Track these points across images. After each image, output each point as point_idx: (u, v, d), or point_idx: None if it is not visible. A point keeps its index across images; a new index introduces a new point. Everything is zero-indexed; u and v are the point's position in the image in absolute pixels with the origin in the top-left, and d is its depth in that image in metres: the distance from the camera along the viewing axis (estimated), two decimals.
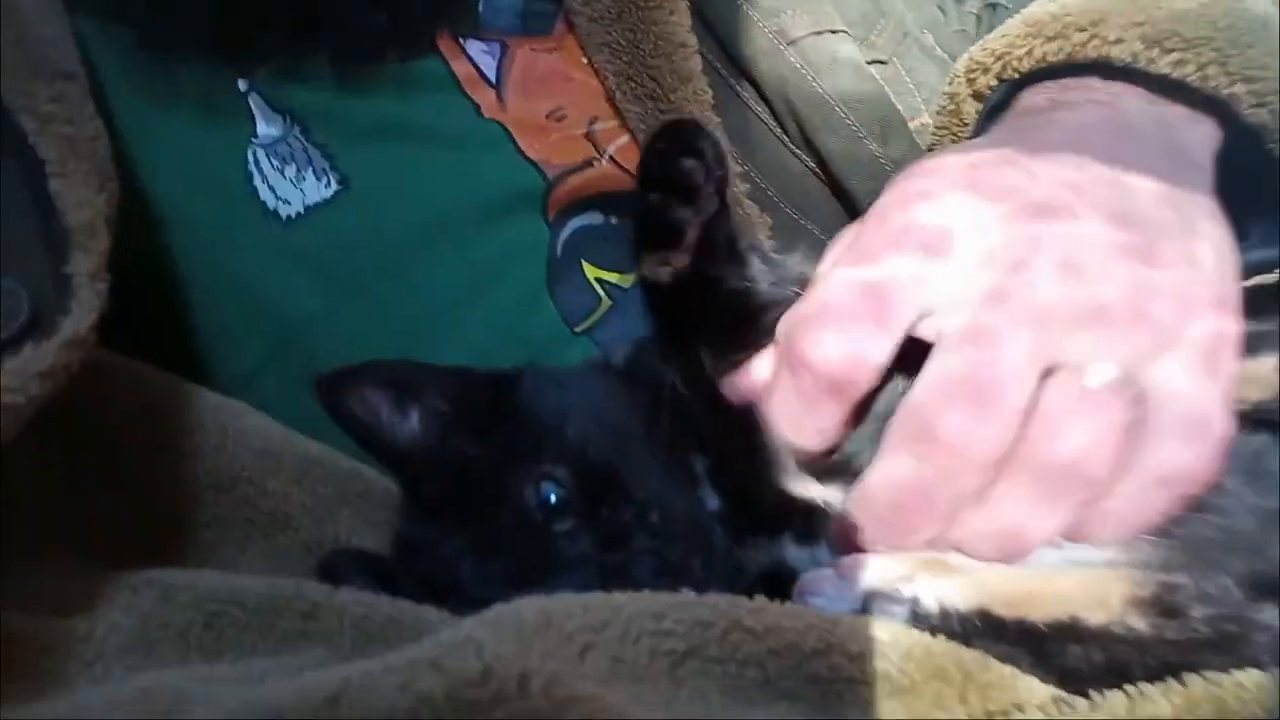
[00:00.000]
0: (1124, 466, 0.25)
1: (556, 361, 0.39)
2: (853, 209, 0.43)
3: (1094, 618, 0.22)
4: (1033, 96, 0.37)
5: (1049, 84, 0.37)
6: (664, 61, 0.41)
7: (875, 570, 0.25)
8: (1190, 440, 0.25)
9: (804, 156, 0.44)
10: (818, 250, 0.35)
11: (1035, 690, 0.22)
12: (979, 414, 0.25)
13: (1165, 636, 0.21)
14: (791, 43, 0.43)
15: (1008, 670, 0.22)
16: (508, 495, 0.29)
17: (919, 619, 0.24)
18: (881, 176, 0.41)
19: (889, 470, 0.26)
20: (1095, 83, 0.36)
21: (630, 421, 0.30)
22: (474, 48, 0.43)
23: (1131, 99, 0.34)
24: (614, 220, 0.43)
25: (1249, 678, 0.20)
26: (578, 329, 0.41)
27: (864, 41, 0.46)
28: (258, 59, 0.41)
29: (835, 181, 0.43)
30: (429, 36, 0.43)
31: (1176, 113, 0.34)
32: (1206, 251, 0.28)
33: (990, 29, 0.52)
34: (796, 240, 0.41)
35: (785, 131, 0.44)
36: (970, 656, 0.23)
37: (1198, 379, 0.25)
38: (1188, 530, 0.24)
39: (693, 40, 0.42)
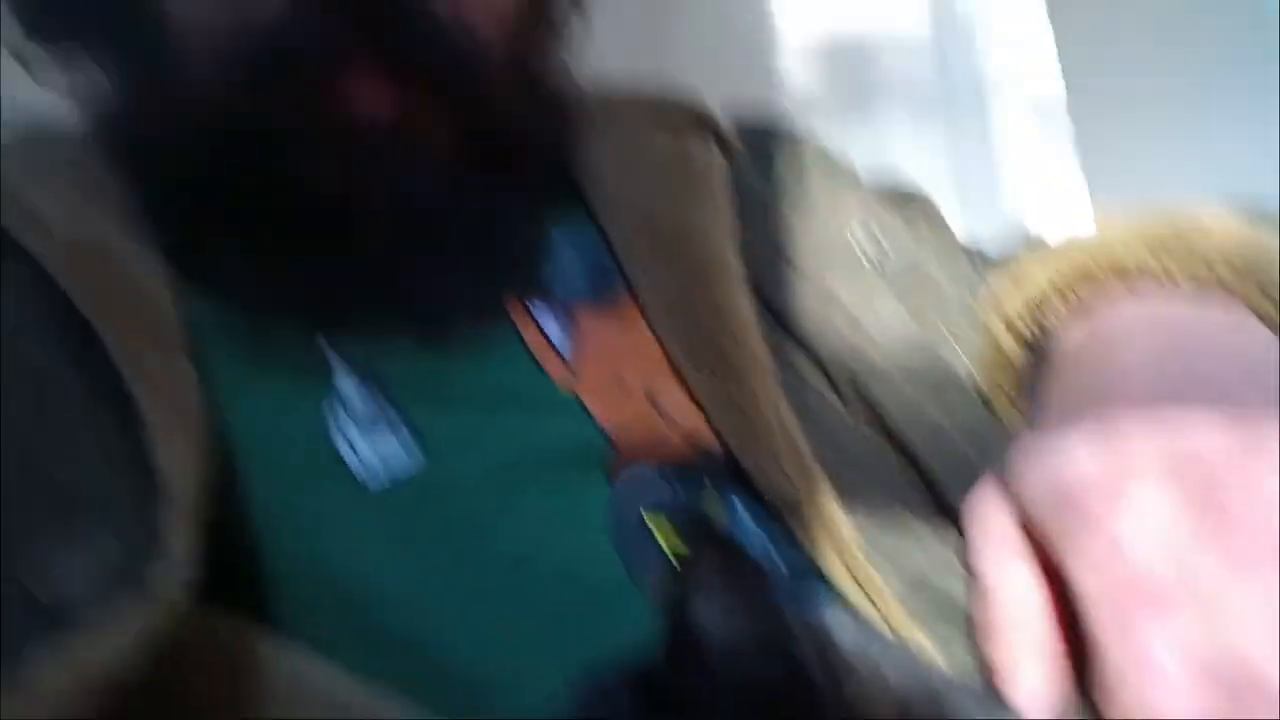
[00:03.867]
0: None
1: (624, 616, 0.39)
2: (916, 468, 0.44)
3: None
4: (1083, 329, 0.40)
5: (1101, 305, 0.40)
6: (724, 330, 0.44)
7: None
8: None
9: (851, 419, 0.46)
10: (879, 512, 0.35)
11: None
12: None
13: None
14: (842, 308, 0.46)
15: None
16: None
17: None
18: (942, 437, 0.43)
19: None
20: (1137, 298, 0.39)
21: None
22: (543, 316, 0.47)
23: (1177, 306, 0.37)
24: (672, 477, 0.44)
25: None
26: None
27: (907, 306, 0.49)
28: (345, 327, 0.44)
29: (895, 441, 0.44)
30: (502, 305, 0.47)
31: (1228, 315, 0.36)
32: None
33: None
34: (857, 501, 0.42)
35: (839, 395, 0.46)
36: None
37: None
38: None
39: (750, 310, 0.45)
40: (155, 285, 0.41)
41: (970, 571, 0.30)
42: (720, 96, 0.59)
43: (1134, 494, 0.27)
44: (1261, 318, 0.36)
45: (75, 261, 0.40)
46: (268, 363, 0.43)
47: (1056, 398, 0.38)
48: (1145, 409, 0.31)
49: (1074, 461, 0.29)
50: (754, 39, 1.66)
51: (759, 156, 0.56)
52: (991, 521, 0.32)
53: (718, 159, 0.52)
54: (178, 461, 0.34)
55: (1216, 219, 0.40)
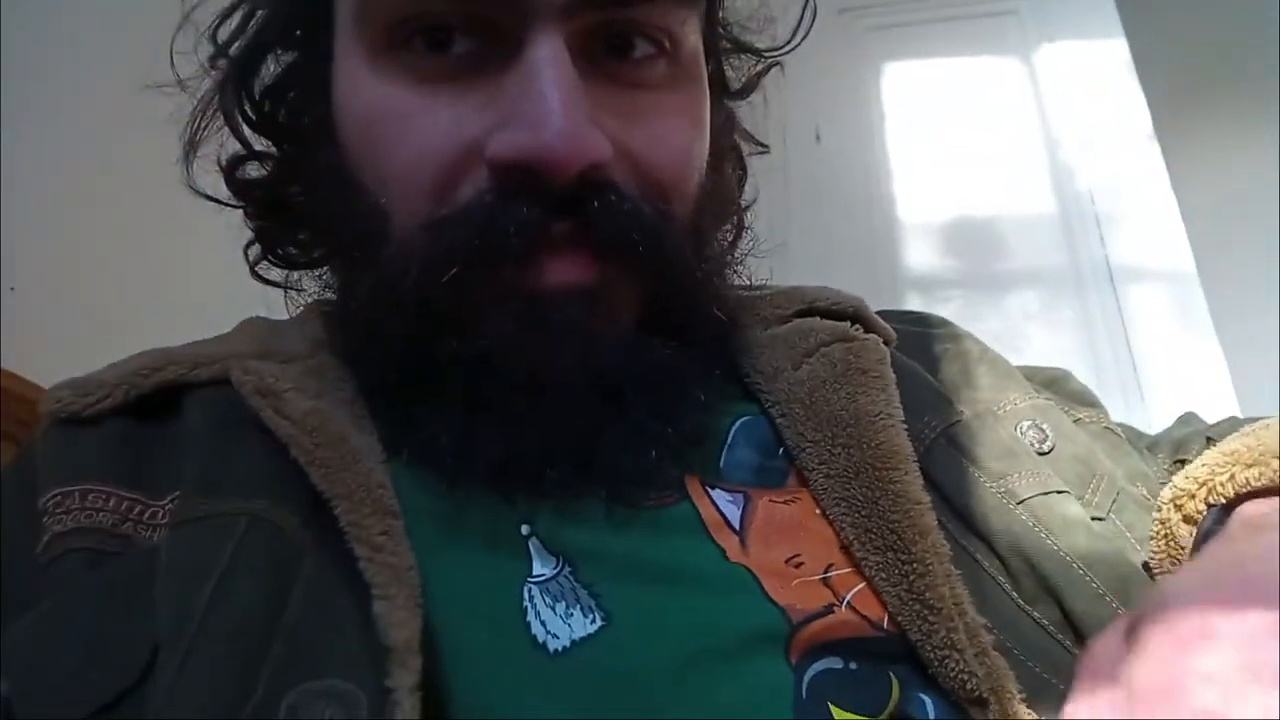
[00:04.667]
0: None
1: None
2: None
3: None
4: (1247, 510, 0.41)
5: (1258, 501, 0.41)
6: (902, 516, 0.45)
7: None
8: None
9: (1035, 613, 0.45)
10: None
11: None
12: None
13: None
14: (1021, 502, 0.47)
15: None
16: None
17: None
18: None
19: None
20: None
21: None
22: (720, 497, 0.48)
23: None
24: (853, 665, 0.44)
25: None
26: None
27: (1082, 500, 0.49)
28: (540, 501, 0.47)
29: (1081, 639, 0.44)
30: (683, 483, 0.48)
31: None
32: None
33: None
34: (1045, 696, 0.41)
35: (1017, 588, 0.46)
36: None
37: None
38: None
39: (926, 498, 0.46)
40: (371, 457, 0.45)
41: None
42: (850, 280, 0.62)
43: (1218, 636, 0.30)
44: None
45: (307, 436, 0.44)
46: (466, 533, 0.46)
47: (1200, 560, 0.40)
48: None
49: (1175, 587, 0.33)
50: (880, 225, 1.72)
51: (915, 346, 0.58)
52: (1099, 648, 0.36)
53: (878, 346, 0.54)
54: (398, 622, 0.37)
55: None
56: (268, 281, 0.62)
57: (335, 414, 0.46)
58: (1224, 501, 0.43)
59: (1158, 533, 0.46)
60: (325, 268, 0.57)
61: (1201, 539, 0.43)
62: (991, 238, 1.66)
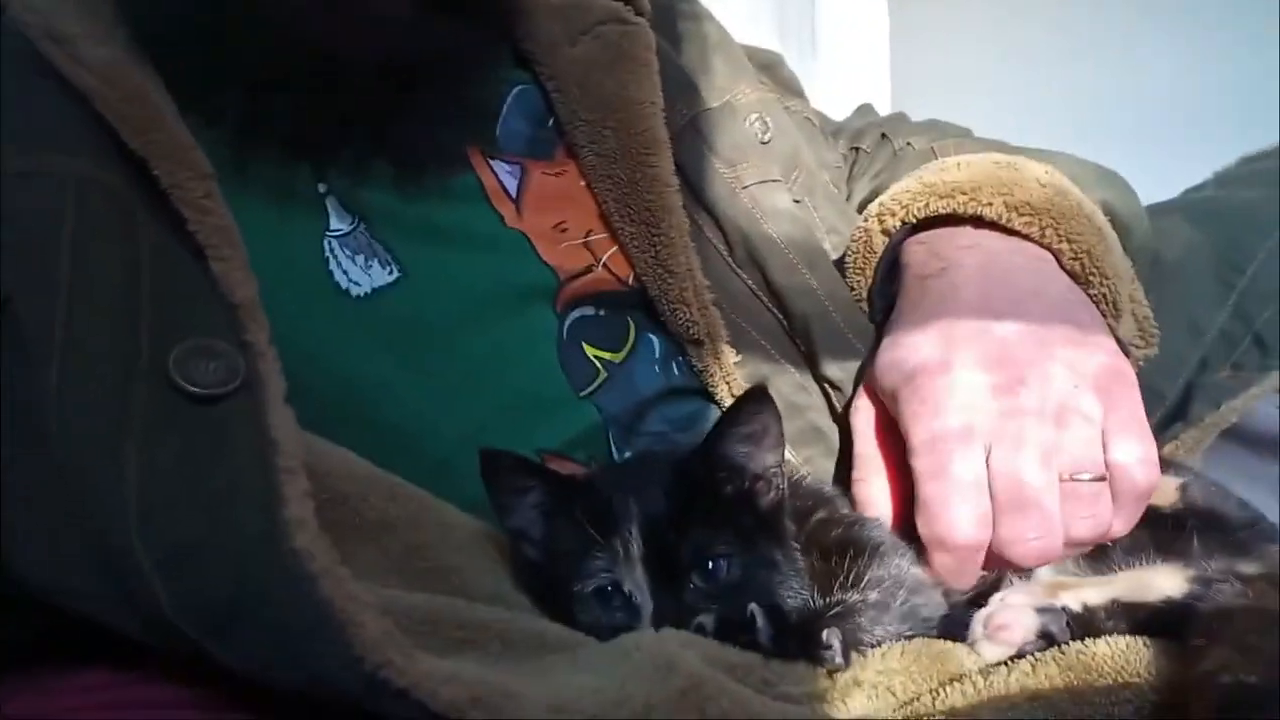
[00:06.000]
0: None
1: (567, 418, 0.51)
2: (789, 320, 0.56)
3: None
4: (926, 254, 0.54)
5: (940, 231, 0.54)
6: (656, 197, 0.54)
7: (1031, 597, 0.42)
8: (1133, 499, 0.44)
9: (743, 276, 0.56)
10: (759, 350, 0.52)
11: None
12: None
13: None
14: (744, 188, 0.57)
15: None
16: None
17: (1076, 619, 0.41)
18: (812, 298, 0.55)
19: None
20: (970, 230, 0.52)
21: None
22: (500, 168, 0.55)
23: (997, 240, 0.52)
24: (603, 312, 0.54)
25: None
26: (582, 394, 0.52)
27: (787, 185, 0.60)
28: (335, 167, 0.50)
29: (779, 302, 0.56)
30: (465, 155, 0.54)
31: (1033, 249, 0.51)
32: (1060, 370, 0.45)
33: (855, 168, 0.69)
34: (743, 340, 0.55)
35: (733, 256, 0.57)
36: None
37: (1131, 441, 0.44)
38: None
39: (675, 181, 0.55)
40: (175, 117, 0.44)
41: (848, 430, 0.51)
42: None
43: (956, 370, 0.45)
44: (1057, 254, 0.51)
45: (110, 89, 0.43)
46: (264, 192, 0.48)
47: (905, 308, 0.52)
48: (967, 316, 0.47)
49: (915, 351, 0.47)
50: None
51: (661, 23, 0.63)
52: (861, 401, 0.51)
53: (648, 33, 0.59)
54: (239, 281, 0.40)
55: (1047, 175, 0.54)
56: None
57: (132, 64, 0.45)
58: (914, 221, 0.54)
59: (858, 239, 0.57)
60: None
61: (892, 248, 0.55)
62: None
